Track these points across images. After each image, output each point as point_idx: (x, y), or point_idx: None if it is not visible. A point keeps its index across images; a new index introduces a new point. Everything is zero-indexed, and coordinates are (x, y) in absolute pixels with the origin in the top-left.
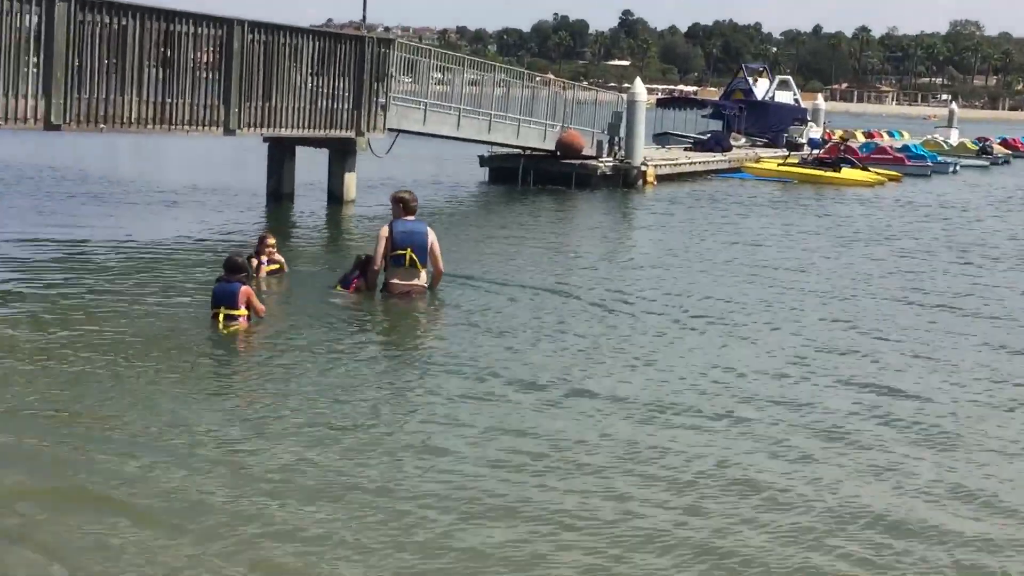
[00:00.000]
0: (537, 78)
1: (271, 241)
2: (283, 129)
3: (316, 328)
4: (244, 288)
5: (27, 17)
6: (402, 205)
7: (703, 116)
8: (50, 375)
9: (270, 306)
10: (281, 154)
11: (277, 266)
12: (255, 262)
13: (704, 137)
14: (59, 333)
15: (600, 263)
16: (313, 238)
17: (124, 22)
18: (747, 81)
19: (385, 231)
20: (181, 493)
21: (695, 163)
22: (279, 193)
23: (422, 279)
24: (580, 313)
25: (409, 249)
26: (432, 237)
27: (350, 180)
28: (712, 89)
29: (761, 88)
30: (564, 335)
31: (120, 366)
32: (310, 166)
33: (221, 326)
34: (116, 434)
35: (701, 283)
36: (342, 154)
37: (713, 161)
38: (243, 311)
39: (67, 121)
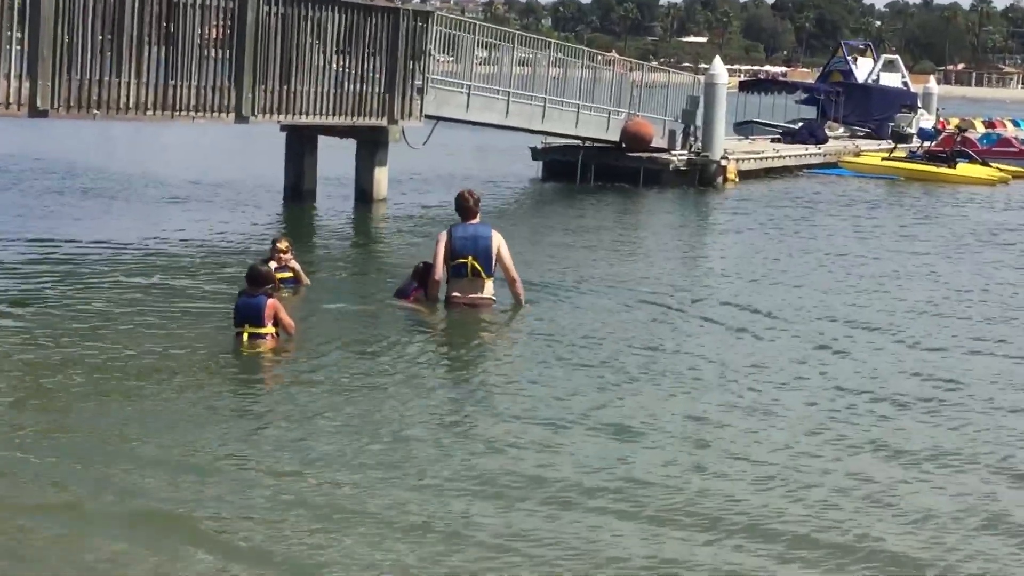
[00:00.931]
0: (599, 57)
1: (284, 245)
2: (303, 116)
3: (354, 346)
4: (271, 302)
5: None
6: (458, 208)
7: (796, 102)
8: (57, 394)
9: (296, 319)
10: (301, 145)
11: (291, 274)
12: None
13: (795, 127)
14: (60, 350)
15: (675, 273)
16: (337, 243)
17: None
18: (847, 61)
19: (443, 236)
20: (200, 519)
21: (784, 157)
22: (298, 190)
23: (488, 291)
24: (662, 328)
25: (471, 257)
26: (498, 241)
27: (381, 175)
28: (804, 70)
29: (863, 69)
30: (653, 355)
31: (133, 391)
32: (334, 159)
33: (246, 345)
34: (131, 463)
35: (796, 298)
36: (372, 145)
37: (805, 155)
38: (270, 328)
39: (55, 106)
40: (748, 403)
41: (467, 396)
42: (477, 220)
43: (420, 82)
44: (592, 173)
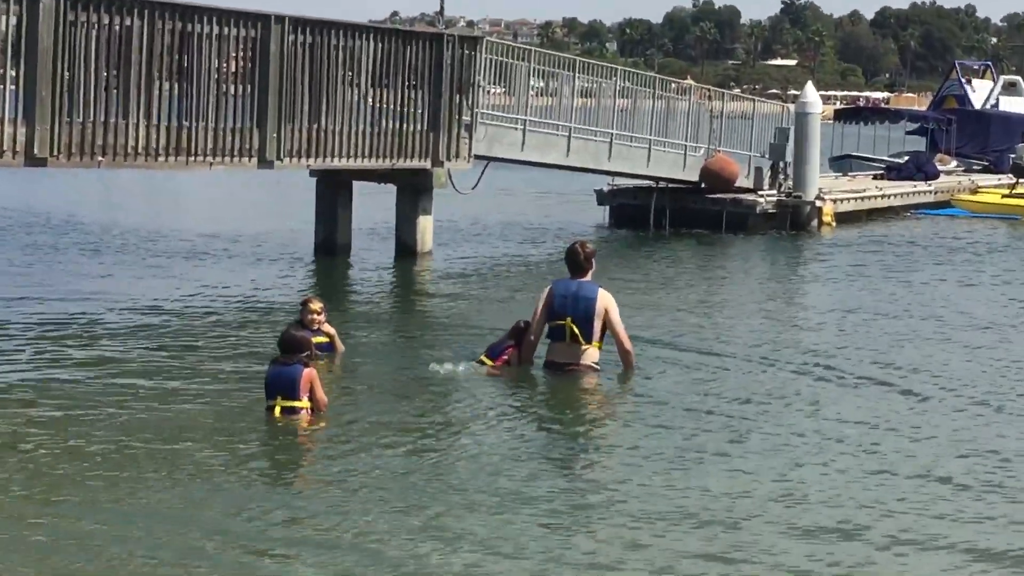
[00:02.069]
0: (672, 85)
1: (317, 306)
2: (336, 159)
3: (411, 424)
4: (307, 372)
5: (2, 18)
6: (571, 259)
7: (908, 133)
8: (71, 477)
9: (331, 394)
10: (333, 193)
11: (327, 339)
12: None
13: (900, 161)
14: (71, 427)
15: (774, 331)
16: (376, 304)
17: (128, 22)
18: (961, 84)
19: (545, 292)
20: None
21: (888, 196)
22: (331, 244)
23: (589, 358)
24: (769, 391)
25: (569, 319)
26: (606, 303)
27: (425, 225)
28: (910, 95)
29: (980, 93)
30: (771, 423)
31: (148, 480)
32: (372, 208)
33: (278, 420)
34: (145, 551)
35: (917, 359)
36: (414, 191)
37: (913, 193)
38: (306, 402)
39: (55, 153)
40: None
41: (536, 487)
42: (587, 277)
43: (468, 118)
44: (667, 219)
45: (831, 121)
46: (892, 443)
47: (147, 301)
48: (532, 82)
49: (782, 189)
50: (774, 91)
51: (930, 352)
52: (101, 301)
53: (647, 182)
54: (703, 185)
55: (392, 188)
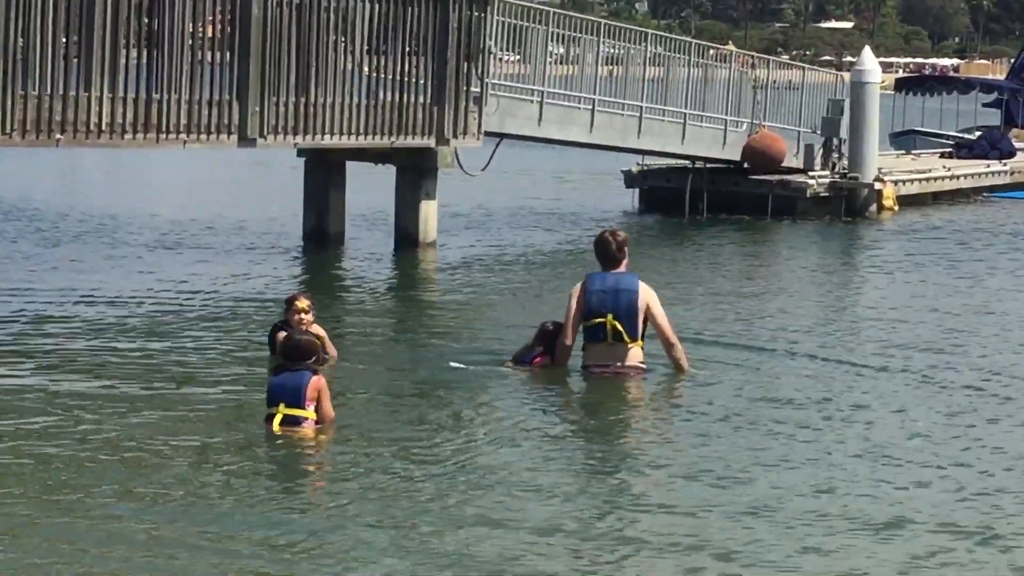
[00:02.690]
0: (711, 52)
1: (304, 304)
2: (327, 137)
3: (420, 439)
4: (315, 380)
5: None
6: (601, 250)
7: (985, 105)
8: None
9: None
10: (324, 174)
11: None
12: (280, 335)
13: (971, 137)
14: (44, 428)
15: (826, 327)
16: (374, 302)
17: None
18: None
19: (577, 289)
20: None
21: (958, 177)
22: (322, 232)
23: (635, 358)
24: (834, 392)
25: (610, 316)
26: (647, 296)
27: (429, 212)
28: (982, 62)
29: None
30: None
31: (136, 489)
32: (368, 192)
33: (277, 431)
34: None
35: (985, 356)
36: (416, 173)
37: (986, 173)
38: (310, 412)
39: (7, 131)
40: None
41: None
42: (622, 269)
43: (477, 89)
44: (704, 203)
45: (892, 92)
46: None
47: (111, 296)
48: (550, 48)
49: (836, 169)
50: (827, 58)
51: (998, 353)
52: (60, 296)
53: (682, 162)
54: (746, 165)
55: (391, 169)
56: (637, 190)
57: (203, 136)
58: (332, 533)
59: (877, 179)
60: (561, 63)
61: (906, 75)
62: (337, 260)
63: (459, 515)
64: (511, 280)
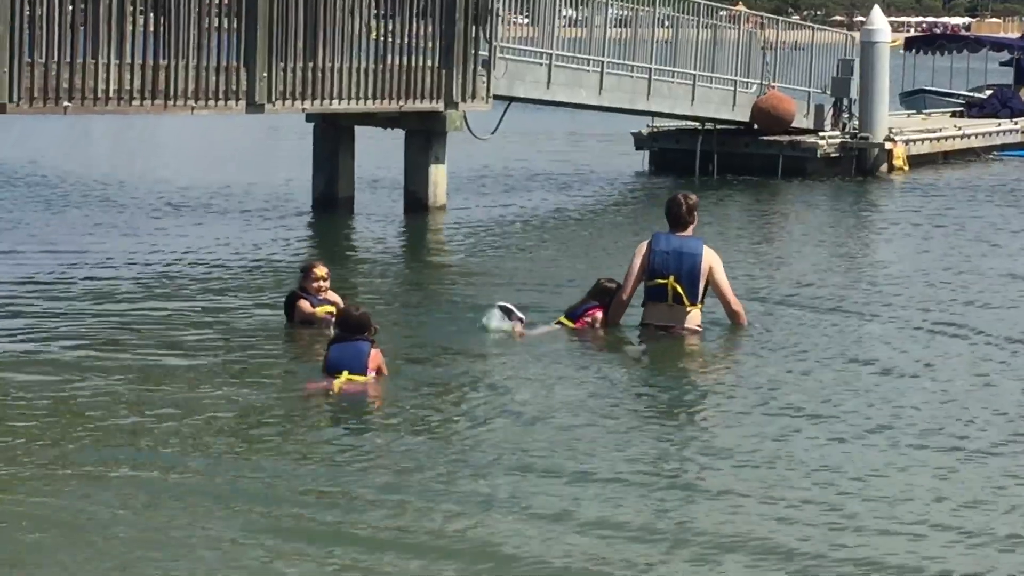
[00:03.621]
0: (721, 12)
1: (322, 272)
2: (335, 102)
3: (464, 398)
4: (374, 352)
5: None
6: (672, 211)
7: (1002, 64)
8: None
9: None
10: (333, 139)
11: (331, 308)
12: (305, 305)
13: (982, 96)
14: (73, 393)
15: (839, 285)
16: (384, 267)
17: None
18: None
19: (643, 248)
20: None
21: (968, 136)
22: (331, 197)
23: (692, 321)
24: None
25: (672, 277)
26: (710, 260)
27: (438, 176)
28: (994, 21)
29: None
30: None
31: (168, 453)
32: (377, 156)
33: (340, 388)
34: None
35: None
36: (425, 137)
37: (997, 132)
38: (371, 379)
39: (15, 99)
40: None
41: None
42: (688, 232)
43: (486, 52)
44: (714, 164)
45: (902, 51)
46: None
47: (122, 262)
48: (561, 10)
49: (846, 130)
50: (837, 18)
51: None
52: (70, 261)
53: (692, 123)
54: (755, 126)
55: (400, 134)
56: (647, 152)
57: (211, 102)
58: (401, 485)
59: (887, 139)
60: (571, 25)
61: (916, 34)
62: (347, 225)
63: (526, 465)
64: (522, 243)
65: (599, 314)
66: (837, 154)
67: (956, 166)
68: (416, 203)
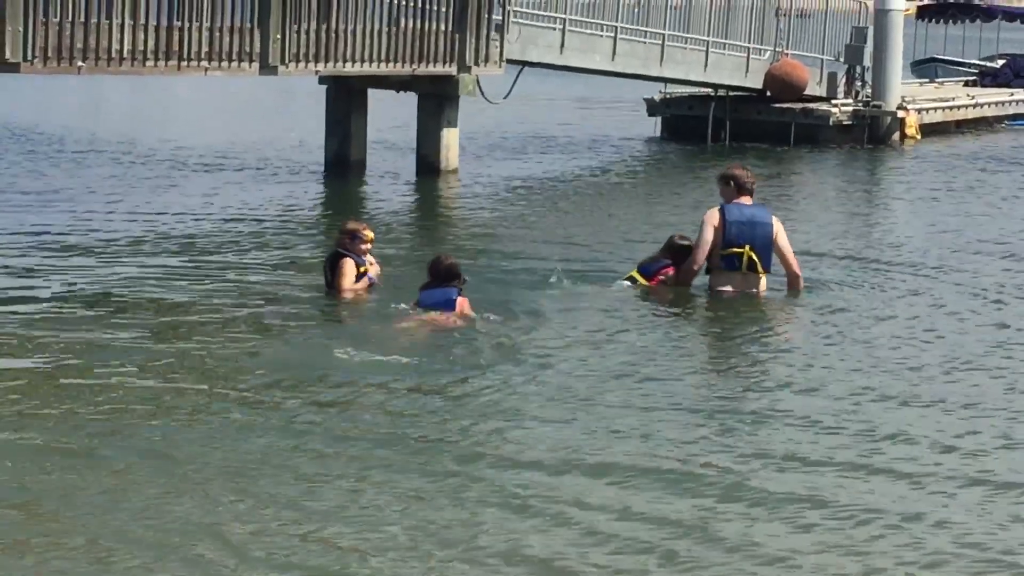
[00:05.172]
0: None
1: (371, 235)
2: (348, 64)
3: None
4: (461, 299)
5: None
6: (734, 184)
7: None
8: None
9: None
10: (346, 102)
11: (378, 269)
12: (358, 269)
13: (995, 65)
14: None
15: (848, 255)
16: (396, 230)
17: None
18: None
19: (715, 215)
20: None
21: (981, 105)
22: (344, 160)
23: (763, 287)
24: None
25: (748, 247)
26: (778, 228)
27: (450, 140)
28: None
29: None
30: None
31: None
32: (389, 119)
33: (427, 312)
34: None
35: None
36: (437, 101)
37: (1009, 102)
38: (458, 316)
39: (29, 58)
40: None
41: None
42: (753, 201)
43: (499, 16)
44: (727, 131)
45: (914, 19)
46: None
47: (138, 222)
48: None
49: (859, 98)
50: None
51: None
52: (86, 220)
53: (704, 90)
54: (768, 93)
55: (413, 97)
56: (659, 118)
57: (225, 64)
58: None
59: (900, 107)
60: None
61: (928, 2)
62: (359, 187)
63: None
64: (530, 208)
65: (672, 272)
66: (850, 122)
67: (968, 135)
68: (428, 166)
